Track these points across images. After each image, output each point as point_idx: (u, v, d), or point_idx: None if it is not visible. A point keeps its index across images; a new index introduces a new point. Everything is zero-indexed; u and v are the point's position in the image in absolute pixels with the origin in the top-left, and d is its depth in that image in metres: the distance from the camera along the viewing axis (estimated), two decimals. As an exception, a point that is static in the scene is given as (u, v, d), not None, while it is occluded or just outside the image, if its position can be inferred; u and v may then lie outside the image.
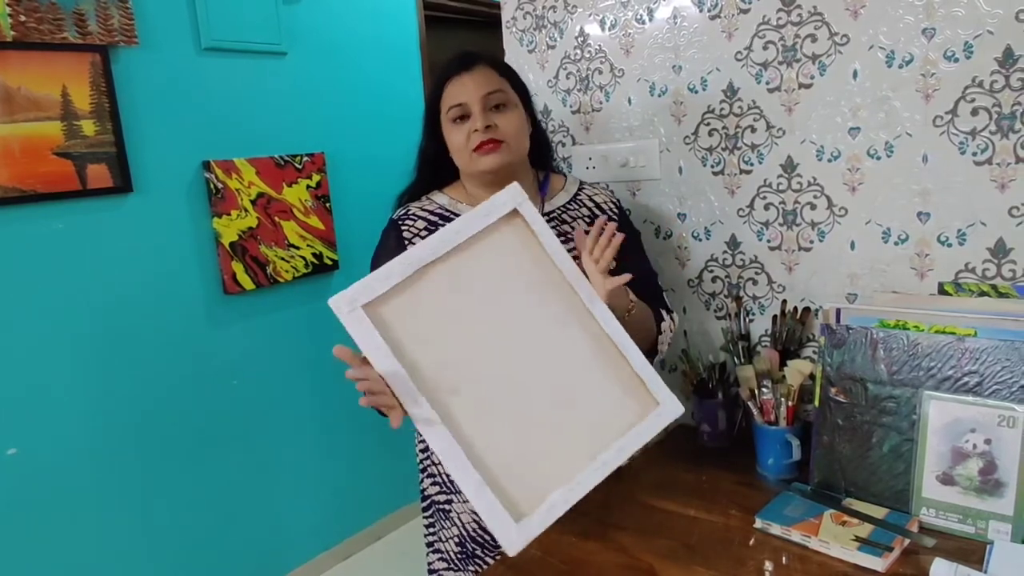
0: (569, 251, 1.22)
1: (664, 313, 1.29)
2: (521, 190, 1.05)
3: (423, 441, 1.29)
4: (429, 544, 1.34)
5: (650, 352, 1.27)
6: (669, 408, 1.07)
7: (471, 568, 1.26)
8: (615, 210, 1.30)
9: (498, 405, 0.99)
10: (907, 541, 0.99)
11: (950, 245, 1.19)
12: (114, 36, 1.98)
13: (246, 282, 2.32)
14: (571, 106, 1.61)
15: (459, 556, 1.27)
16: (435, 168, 1.26)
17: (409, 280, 0.98)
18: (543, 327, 1.04)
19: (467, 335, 1.00)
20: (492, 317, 1.02)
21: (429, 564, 1.35)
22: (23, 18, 1.82)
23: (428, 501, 1.32)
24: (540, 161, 1.31)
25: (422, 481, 1.33)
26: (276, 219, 2.40)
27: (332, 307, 0.94)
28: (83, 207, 1.97)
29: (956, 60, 1.14)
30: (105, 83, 1.97)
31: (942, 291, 1.20)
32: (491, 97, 1.16)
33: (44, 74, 1.87)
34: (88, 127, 1.95)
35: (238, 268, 2.30)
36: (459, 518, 1.25)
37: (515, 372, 1.01)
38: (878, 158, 1.24)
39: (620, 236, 1.10)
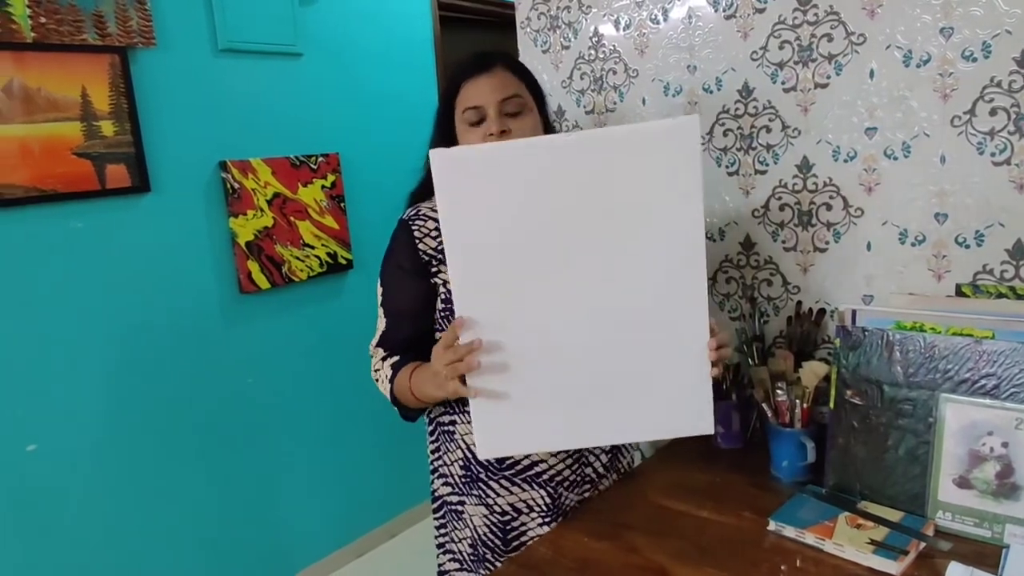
0: None
1: None
2: (697, 125, 0.95)
3: (434, 442, 1.30)
4: (440, 546, 1.34)
5: None
6: (704, 424, 1.03)
7: (482, 571, 1.27)
8: None
9: (556, 331, 0.98)
10: (922, 545, 0.99)
11: (968, 246, 1.18)
12: (133, 37, 2.00)
13: (262, 281, 2.34)
14: (585, 106, 1.61)
15: (472, 558, 1.27)
16: None
17: (526, 158, 0.95)
18: (644, 276, 0.98)
19: (558, 240, 0.96)
20: (595, 239, 0.96)
21: (440, 566, 1.35)
22: (43, 20, 1.84)
23: (440, 502, 1.32)
24: None
25: (433, 482, 1.33)
26: (291, 219, 2.41)
27: (432, 156, 0.93)
28: (102, 206, 1.99)
29: (974, 60, 1.13)
30: (124, 84, 1.99)
31: (959, 293, 1.19)
32: (508, 103, 1.16)
33: (64, 75, 1.89)
34: (107, 127, 1.97)
35: (254, 267, 2.32)
36: (471, 520, 1.25)
37: (590, 304, 0.98)
38: (895, 158, 1.23)
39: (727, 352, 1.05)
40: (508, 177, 0.94)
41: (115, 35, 1.97)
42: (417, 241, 1.20)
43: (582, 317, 0.98)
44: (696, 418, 1.02)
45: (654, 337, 0.99)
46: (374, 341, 1.25)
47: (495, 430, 0.99)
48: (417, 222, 1.23)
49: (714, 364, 1.01)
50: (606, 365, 1.00)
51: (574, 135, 0.98)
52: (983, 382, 1.01)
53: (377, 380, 1.23)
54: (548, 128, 1.27)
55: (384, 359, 1.22)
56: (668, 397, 1.02)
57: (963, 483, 1.01)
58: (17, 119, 1.82)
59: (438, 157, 0.93)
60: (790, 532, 1.05)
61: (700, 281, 0.98)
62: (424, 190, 1.29)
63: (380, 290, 1.25)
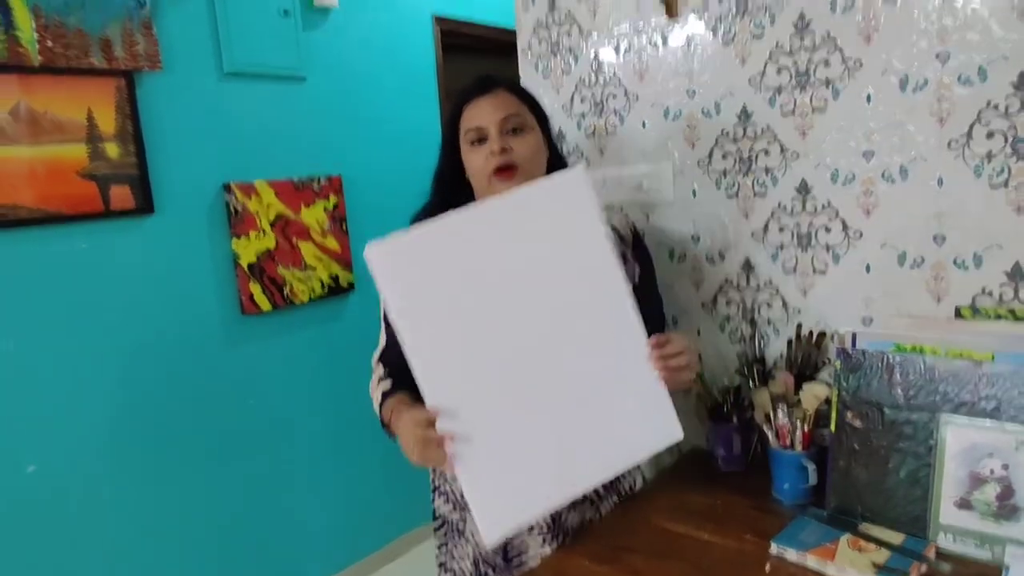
0: None
1: None
2: (586, 173, 1.05)
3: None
4: (441, 564, 1.33)
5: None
6: (674, 432, 1.10)
7: (483, 590, 1.26)
8: (631, 234, 1.31)
9: (517, 385, 1.01)
10: (924, 567, 0.98)
11: (966, 268, 1.19)
12: (139, 61, 2.03)
13: (263, 303, 2.34)
14: (585, 129, 1.62)
15: (473, 576, 1.26)
16: (450, 189, 1.28)
17: (451, 239, 1.00)
18: (579, 316, 1.04)
19: (498, 306, 1.01)
20: (529, 295, 1.02)
21: (441, 587, 1.34)
22: (50, 44, 1.87)
23: (440, 520, 1.32)
24: None
25: (434, 500, 1.32)
26: (294, 240, 2.43)
27: (366, 254, 0.96)
28: (106, 228, 2.01)
29: (971, 84, 1.14)
30: (129, 107, 2.02)
31: (959, 315, 1.19)
32: (508, 121, 1.18)
33: (70, 98, 1.92)
34: (112, 150, 1.99)
35: (255, 289, 2.32)
36: (473, 536, 1.24)
37: (541, 356, 1.02)
38: (893, 181, 1.24)
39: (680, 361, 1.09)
40: (439, 254, 0.99)
41: (121, 59, 1.99)
42: None
43: (540, 372, 1.02)
44: (665, 429, 1.09)
45: (607, 371, 1.05)
46: (376, 355, 1.26)
47: (495, 511, 1.00)
48: None
49: (671, 372, 1.07)
50: (574, 411, 1.04)
51: (484, 204, 1.04)
52: (983, 404, 1.01)
53: (372, 397, 1.24)
54: (552, 150, 1.29)
55: (380, 379, 1.23)
56: (636, 420, 1.07)
57: (964, 505, 1.01)
58: (23, 141, 1.84)
59: (371, 252, 0.97)
60: (792, 555, 1.04)
61: (626, 307, 1.06)
62: (428, 212, 1.30)
63: (383, 308, 1.26)
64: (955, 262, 1.20)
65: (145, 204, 2.07)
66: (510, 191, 1.07)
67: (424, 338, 0.98)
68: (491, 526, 1.00)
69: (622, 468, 1.10)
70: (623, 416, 1.06)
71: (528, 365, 1.02)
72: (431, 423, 0.98)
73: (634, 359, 1.06)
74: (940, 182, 1.19)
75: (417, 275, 0.98)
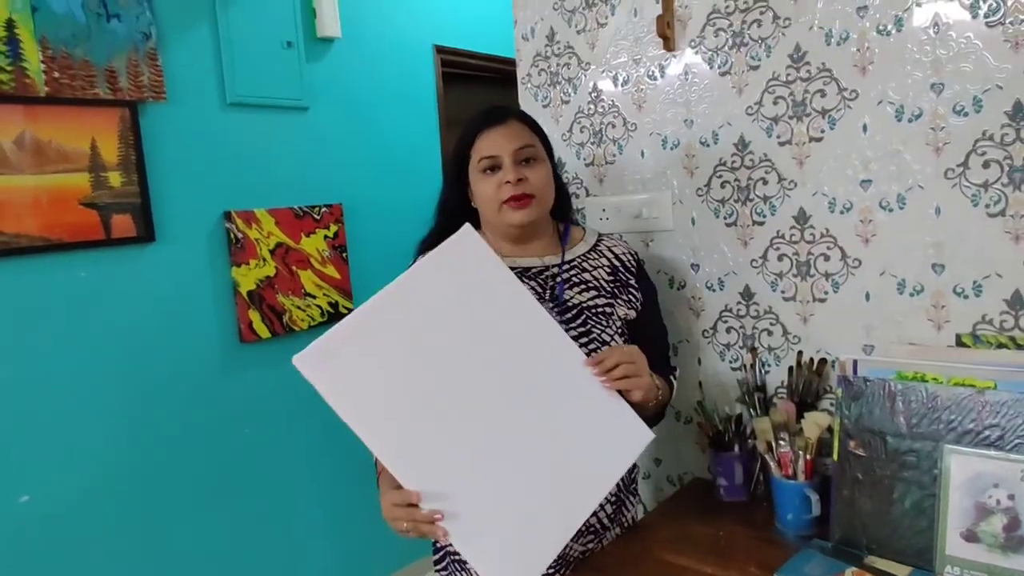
0: (591, 298, 1.23)
1: (671, 377, 1.32)
2: (472, 230, 1.10)
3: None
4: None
5: (657, 417, 1.27)
6: (643, 434, 1.12)
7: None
8: (633, 263, 1.31)
9: (477, 451, 1.01)
10: (932, 601, 0.97)
11: (966, 297, 1.19)
12: (143, 92, 2.05)
13: (262, 330, 2.34)
14: (585, 159, 1.64)
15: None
16: (455, 217, 1.28)
17: (372, 327, 1.00)
18: (519, 360, 1.06)
19: (441, 375, 1.02)
20: (466, 356, 1.04)
21: (439, 620, 1.32)
22: (57, 75, 1.89)
23: (442, 552, 1.30)
24: (560, 213, 1.34)
25: (434, 533, 1.31)
26: (293, 268, 2.43)
27: (297, 365, 0.96)
28: (107, 256, 2.01)
29: (965, 114, 1.15)
30: (133, 136, 2.03)
31: (960, 343, 1.19)
32: (523, 151, 1.19)
33: (74, 128, 1.93)
34: (114, 178, 2.01)
35: (255, 316, 2.32)
36: (474, 571, 1.22)
37: (498, 410, 1.03)
38: (890, 210, 1.25)
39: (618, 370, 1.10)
40: (368, 343, 1.00)
41: (126, 89, 2.02)
42: None
43: (502, 426, 1.03)
44: (635, 435, 1.11)
45: (562, 404, 1.07)
46: None
47: (507, 571, 0.99)
48: None
49: (620, 384, 1.09)
50: (547, 452, 1.04)
51: (396, 282, 1.04)
52: (987, 433, 1.00)
53: None
54: (558, 181, 1.30)
55: None
56: (605, 437, 1.09)
57: (970, 537, 1.00)
58: (27, 170, 1.85)
59: (300, 362, 0.97)
60: (796, 588, 1.03)
61: (558, 338, 1.09)
62: (433, 240, 1.31)
63: None
64: (955, 290, 1.20)
65: (146, 232, 2.07)
66: (413, 265, 1.11)
67: (380, 430, 0.97)
68: None
69: (609, 486, 1.09)
70: (593, 439, 1.07)
71: (489, 424, 1.02)
72: (414, 505, 0.97)
73: (581, 384, 1.08)
74: (938, 211, 1.20)
75: (352, 371, 0.98)
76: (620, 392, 1.10)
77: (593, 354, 1.13)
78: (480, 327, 1.05)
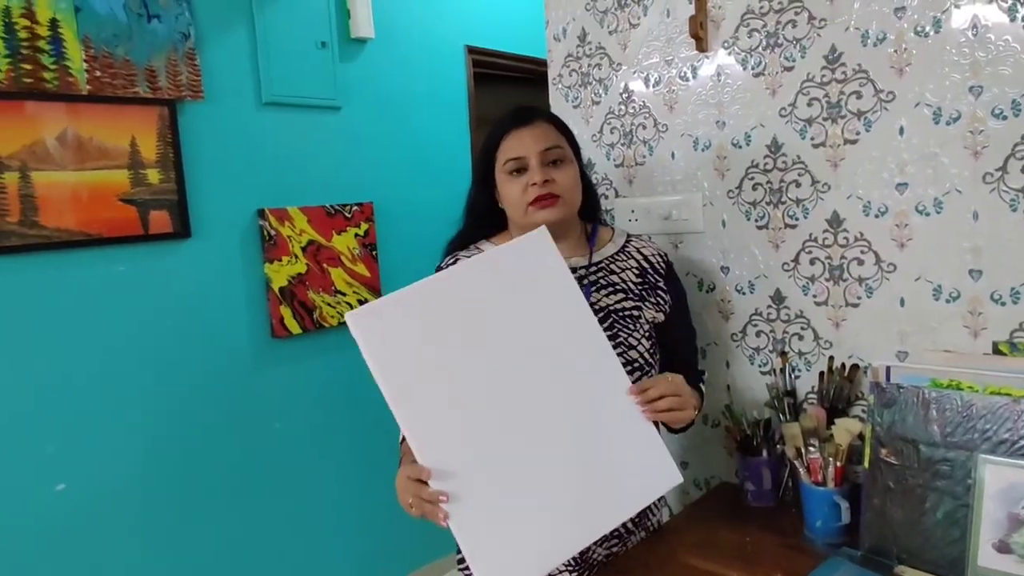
0: (618, 301, 1.23)
1: (700, 384, 1.32)
2: (547, 234, 1.08)
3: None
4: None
5: (687, 426, 1.26)
6: (671, 476, 1.09)
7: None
8: (662, 264, 1.30)
9: (507, 453, 1.01)
10: (964, 613, 0.95)
11: (1003, 304, 1.16)
12: (182, 91, 2.10)
13: (293, 326, 2.37)
14: (615, 160, 1.63)
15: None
16: (483, 218, 1.29)
17: (427, 301, 1.01)
18: (564, 370, 1.05)
19: (483, 364, 1.01)
20: (512, 352, 1.03)
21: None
22: (99, 73, 1.94)
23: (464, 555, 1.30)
24: (588, 214, 1.33)
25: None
26: (324, 266, 2.46)
27: (348, 320, 0.98)
28: (144, 251, 2.06)
29: (1004, 118, 1.13)
30: (171, 134, 2.08)
31: (996, 351, 1.16)
32: (550, 153, 1.19)
33: (115, 125, 1.98)
34: (153, 175, 2.05)
35: (286, 313, 2.35)
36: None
37: (530, 412, 1.02)
38: (927, 214, 1.22)
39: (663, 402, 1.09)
40: (421, 316, 1.00)
41: (165, 88, 2.06)
42: None
43: (530, 428, 1.02)
44: (663, 474, 1.08)
45: (597, 422, 1.05)
46: None
47: (493, 569, 0.98)
48: None
49: (662, 417, 1.08)
50: (569, 466, 1.03)
51: (458, 266, 1.06)
52: (1023, 443, 0.98)
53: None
54: (585, 178, 1.29)
55: None
56: (632, 467, 1.06)
57: (1003, 548, 0.97)
58: (69, 166, 1.90)
59: (352, 319, 0.98)
60: (824, 596, 1.01)
61: (607, 357, 1.07)
62: (462, 240, 1.32)
63: None
64: (992, 297, 1.17)
65: (182, 229, 2.12)
66: (481, 254, 1.11)
67: (411, 400, 0.98)
68: None
69: (623, 518, 1.07)
70: (618, 465, 1.05)
71: (518, 422, 1.01)
72: (424, 481, 0.98)
73: (621, 407, 1.06)
74: (975, 216, 1.17)
75: (399, 337, 0.99)
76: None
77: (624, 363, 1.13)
78: (532, 328, 1.04)
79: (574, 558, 1.19)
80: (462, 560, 1.31)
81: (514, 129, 1.21)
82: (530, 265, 1.07)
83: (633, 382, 1.10)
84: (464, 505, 0.97)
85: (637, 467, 1.06)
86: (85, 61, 1.92)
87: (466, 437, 0.99)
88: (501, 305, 1.03)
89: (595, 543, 1.21)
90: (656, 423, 1.10)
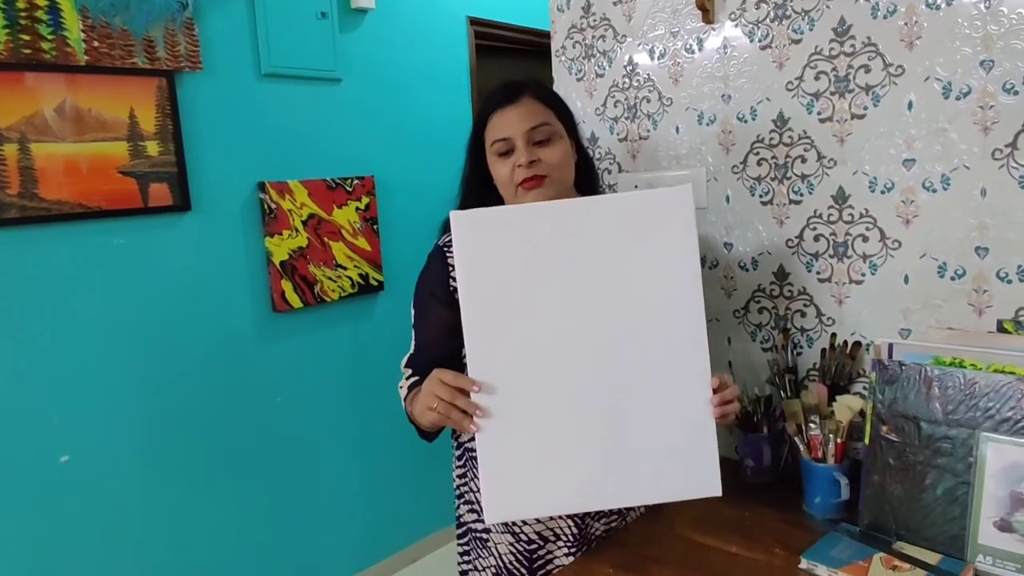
0: None
1: None
2: (690, 194, 1.00)
3: (461, 467, 1.29)
4: (463, 573, 1.33)
5: None
6: (711, 486, 1.04)
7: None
8: None
9: (562, 398, 1.00)
10: (962, 589, 0.95)
11: (1010, 282, 1.15)
12: (180, 62, 2.07)
13: (294, 300, 2.37)
14: (618, 134, 1.61)
15: (495, 582, 1.26)
16: (479, 196, 1.27)
17: (536, 224, 0.99)
18: (647, 337, 1.01)
19: (567, 302, 0.99)
20: (601, 299, 0.99)
21: (464, 589, 1.34)
22: (96, 44, 1.91)
23: (464, 528, 1.31)
24: (586, 188, 1.31)
25: (458, 508, 1.32)
26: (325, 240, 2.45)
27: (452, 218, 0.98)
28: (143, 224, 2.05)
29: (1016, 93, 1.11)
30: (170, 106, 2.06)
31: (1001, 329, 1.16)
32: (536, 131, 1.16)
33: (113, 97, 1.96)
34: (152, 148, 2.03)
35: (287, 286, 2.35)
36: (496, 548, 1.24)
37: (597, 364, 1.00)
38: (934, 191, 1.21)
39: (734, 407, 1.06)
40: (521, 238, 0.98)
41: (163, 59, 2.03)
42: (451, 269, 1.21)
43: (590, 379, 1.00)
44: (703, 480, 1.03)
45: (659, 399, 1.01)
46: (405, 359, 1.26)
47: (504, 494, 0.99)
48: (451, 250, 1.24)
49: (720, 420, 1.02)
50: (614, 428, 1.01)
51: (580, 200, 1.02)
52: (1026, 422, 0.97)
53: (400, 396, 1.24)
54: (581, 154, 1.27)
55: (408, 379, 1.23)
56: (675, 459, 1.02)
57: (1004, 526, 0.98)
58: (68, 138, 1.88)
59: (458, 218, 0.97)
60: (822, 571, 1.02)
61: (700, 340, 1.01)
62: None
63: (413, 311, 1.26)
64: (998, 275, 1.16)
65: (182, 202, 2.10)
66: (613, 195, 1.08)
67: (484, 312, 0.98)
68: (496, 508, 0.99)
69: (646, 501, 1.05)
70: (663, 451, 1.01)
71: (580, 368, 0.99)
72: (464, 391, 0.98)
73: (691, 395, 1.01)
74: (983, 192, 1.16)
75: (495, 250, 0.98)
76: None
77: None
78: (634, 281, 0.99)
79: (574, 535, 1.20)
80: (462, 536, 1.32)
81: (500, 108, 1.18)
82: (658, 220, 0.99)
83: None
84: (495, 426, 0.97)
85: (682, 460, 1.02)
86: (83, 31, 1.89)
87: (522, 364, 0.98)
88: (609, 251, 0.99)
89: (595, 518, 1.22)
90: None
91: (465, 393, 0.98)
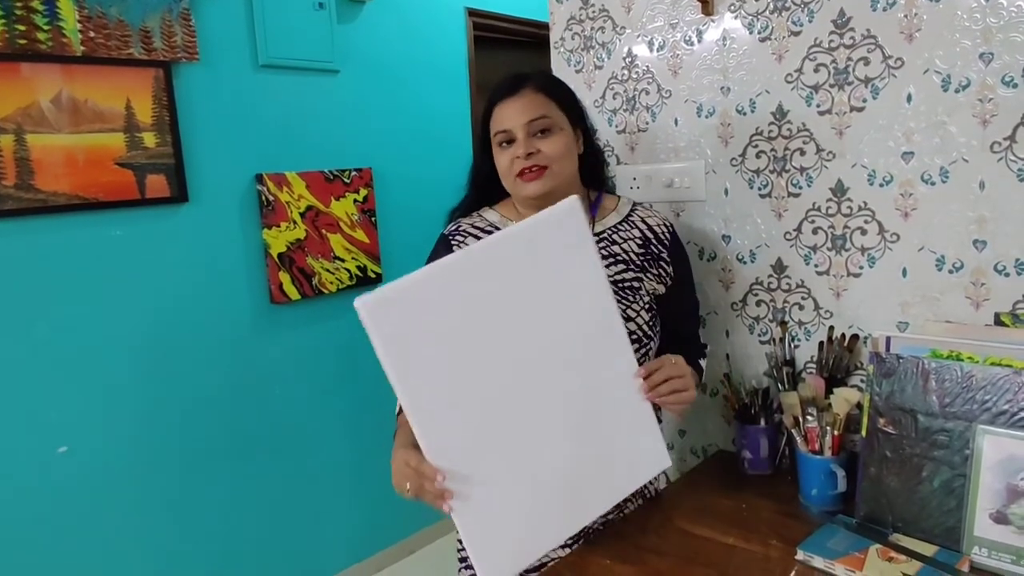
0: (618, 272, 1.22)
1: (700, 361, 1.31)
2: (579, 205, 1.00)
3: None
4: (462, 560, 1.33)
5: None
6: (662, 460, 1.08)
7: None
8: (667, 235, 1.28)
9: (513, 438, 0.99)
10: (957, 581, 0.96)
11: (1007, 275, 1.15)
12: (177, 52, 2.06)
13: (292, 292, 2.37)
14: (617, 126, 1.61)
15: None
16: (486, 185, 1.28)
17: (440, 287, 0.94)
18: (575, 354, 1.01)
19: (495, 351, 0.97)
20: (525, 336, 0.98)
21: (461, 580, 1.35)
22: (92, 34, 1.90)
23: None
24: (593, 180, 1.31)
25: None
26: (323, 232, 2.45)
27: (357, 307, 0.90)
28: (141, 215, 2.04)
29: (1015, 86, 1.11)
30: (167, 97, 2.05)
31: (998, 322, 1.16)
32: (535, 123, 1.17)
33: (110, 88, 1.95)
34: (149, 139, 2.03)
35: (285, 278, 2.35)
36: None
37: (540, 400, 1.00)
38: (932, 183, 1.21)
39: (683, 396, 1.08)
40: (434, 302, 0.93)
41: (160, 50, 2.02)
42: None
43: (539, 418, 0.99)
44: (654, 457, 1.07)
45: (602, 407, 1.03)
46: None
47: (495, 560, 0.98)
48: (457, 237, 1.25)
49: (662, 399, 1.06)
50: (576, 453, 1.01)
51: (475, 247, 0.98)
52: (1022, 414, 0.98)
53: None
54: (588, 143, 1.28)
55: None
56: (628, 453, 1.05)
57: (1000, 519, 0.98)
58: (64, 129, 1.88)
59: (361, 306, 0.90)
60: (819, 563, 1.02)
61: (620, 339, 1.03)
62: (466, 206, 1.31)
63: None
64: (996, 268, 1.16)
65: (180, 193, 2.10)
66: (506, 228, 1.07)
67: (421, 394, 0.93)
68: (491, 573, 0.98)
69: (616, 500, 1.07)
70: (618, 452, 1.04)
71: (527, 412, 0.99)
72: (428, 476, 0.95)
73: (625, 392, 1.04)
74: (982, 185, 1.16)
75: (411, 327, 0.92)
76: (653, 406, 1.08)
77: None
78: (550, 306, 0.99)
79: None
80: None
81: (502, 100, 1.19)
82: (554, 238, 0.99)
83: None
84: (468, 500, 0.96)
85: (631, 452, 1.05)
86: (79, 21, 1.88)
87: (476, 436, 0.97)
88: (519, 286, 0.98)
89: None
90: (657, 408, 1.09)
91: (431, 478, 0.96)
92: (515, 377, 0.98)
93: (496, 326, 0.96)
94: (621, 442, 1.04)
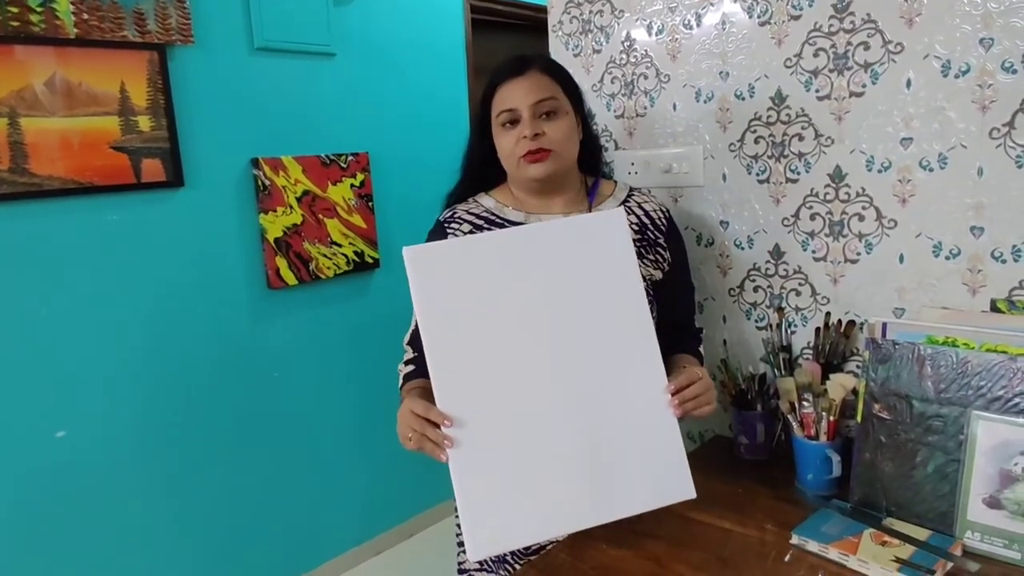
0: None
1: (699, 345, 1.32)
2: (623, 215, 1.06)
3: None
4: (461, 544, 1.34)
5: None
6: (684, 490, 1.04)
7: (502, 572, 1.27)
8: (664, 221, 1.28)
9: (527, 421, 1.00)
10: (950, 565, 0.97)
11: (1004, 261, 1.16)
12: (171, 35, 2.04)
13: (289, 277, 2.37)
14: (615, 111, 1.60)
15: (492, 558, 1.27)
16: (482, 170, 1.27)
17: (485, 255, 1.02)
18: (603, 353, 1.03)
19: (524, 329, 1.01)
20: (555, 323, 1.02)
21: (460, 564, 1.36)
22: (86, 16, 1.88)
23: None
24: (590, 166, 1.31)
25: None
26: (320, 216, 2.44)
27: (405, 254, 0.99)
28: (136, 200, 2.03)
29: (1015, 71, 1.10)
30: (161, 80, 2.03)
31: (994, 308, 1.16)
32: (541, 105, 1.16)
33: (104, 71, 1.93)
34: (144, 123, 2.01)
35: (282, 264, 2.34)
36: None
37: (559, 386, 1.01)
38: (931, 170, 1.21)
39: (709, 408, 1.07)
40: (474, 267, 1.01)
41: (154, 32, 2.00)
42: None
43: (556, 401, 1.01)
44: (676, 485, 1.03)
45: (623, 411, 1.03)
46: (406, 337, 1.27)
47: (484, 529, 0.99)
48: (452, 224, 1.24)
49: (695, 414, 1.05)
50: (585, 446, 1.01)
51: (524, 227, 1.06)
52: (1017, 400, 0.98)
53: (399, 384, 1.25)
54: (587, 129, 1.27)
55: (406, 363, 1.23)
56: (646, 467, 1.03)
57: (993, 503, 0.99)
58: (59, 113, 1.86)
59: (409, 253, 0.99)
60: (813, 547, 1.03)
61: (651, 350, 1.04)
62: (461, 191, 1.30)
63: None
64: (993, 254, 1.17)
65: (175, 177, 2.09)
66: (550, 218, 1.11)
67: (445, 345, 0.99)
68: (478, 544, 0.98)
69: (624, 515, 1.04)
70: (635, 461, 1.02)
71: (543, 391, 1.00)
72: (434, 423, 0.98)
73: (651, 402, 1.03)
74: (980, 172, 1.16)
75: (449, 283, 1.00)
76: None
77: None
78: (581, 303, 1.03)
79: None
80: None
81: (507, 80, 1.18)
82: (598, 241, 1.04)
83: None
84: (468, 455, 0.97)
85: (652, 467, 1.03)
86: (72, 3, 1.86)
87: (488, 393, 0.99)
88: (556, 274, 1.02)
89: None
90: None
91: (436, 425, 0.98)
92: (536, 357, 1.01)
93: (527, 305, 1.01)
94: (640, 454, 1.02)
